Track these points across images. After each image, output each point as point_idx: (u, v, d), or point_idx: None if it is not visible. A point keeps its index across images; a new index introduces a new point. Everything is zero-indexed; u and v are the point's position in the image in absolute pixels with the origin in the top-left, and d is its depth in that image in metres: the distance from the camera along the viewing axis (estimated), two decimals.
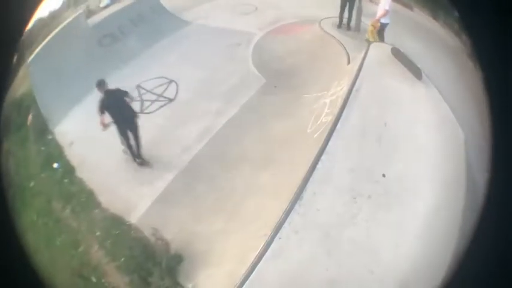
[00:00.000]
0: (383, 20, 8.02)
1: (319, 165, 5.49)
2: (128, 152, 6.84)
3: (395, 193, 5.49)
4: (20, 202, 6.04)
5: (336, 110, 6.28)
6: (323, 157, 5.58)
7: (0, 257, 4.88)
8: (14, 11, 5.34)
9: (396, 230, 5.20)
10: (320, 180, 5.42)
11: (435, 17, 7.31)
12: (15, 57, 6.22)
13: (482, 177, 4.92)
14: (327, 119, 6.36)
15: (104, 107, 6.60)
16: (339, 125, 5.97)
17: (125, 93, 6.79)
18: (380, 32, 8.25)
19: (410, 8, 8.19)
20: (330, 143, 5.73)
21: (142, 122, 6.97)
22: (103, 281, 5.51)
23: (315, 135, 6.22)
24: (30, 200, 6.18)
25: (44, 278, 5.22)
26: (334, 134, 5.86)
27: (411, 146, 6.04)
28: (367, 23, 8.87)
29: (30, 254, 5.22)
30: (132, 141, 6.79)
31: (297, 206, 5.17)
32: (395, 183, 5.56)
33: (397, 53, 7.33)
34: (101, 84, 6.70)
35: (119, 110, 6.73)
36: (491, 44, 4.79)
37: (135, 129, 6.76)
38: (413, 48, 7.47)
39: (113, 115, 6.64)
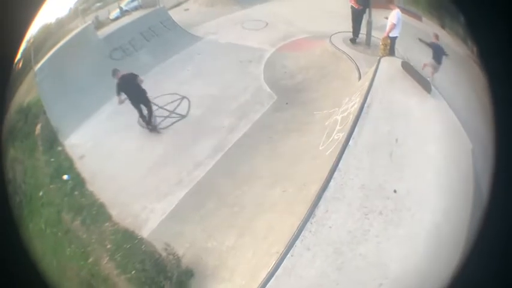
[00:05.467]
0: (392, 34, 7.97)
1: (331, 183, 5.45)
2: (141, 121, 7.64)
3: (405, 208, 5.44)
4: (28, 210, 6.10)
5: (348, 127, 6.23)
6: (335, 174, 5.53)
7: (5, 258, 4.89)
8: (14, 11, 5.34)
9: (405, 243, 5.18)
10: (333, 197, 5.38)
11: (442, 24, 7.26)
12: (20, 63, 6.33)
13: (486, 184, 4.85)
14: (339, 136, 6.34)
15: (120, 89, 7.55)
16: (350, 142, 5.91)
17: (135, 76, 7.61)
18: (390, 45, 8.21)
19: (419, 19, 8.14)
20: (342, 160, 5.69)
21: (154, 138, 7.23)
22: None
23: (327, 153, 6.21)
24: (38, 209, 6.23)
25: (52, 284, 5.17)
26: (346, 151, 5.82)
27: (422, 160, 5.99)
28: (377, 37, 8.80)
29: (36, 259, 5.16)
30: (145, 112, 7.65)
31: (309, 224, 5.12)
32: (406, 198, 5.51)
33: (407, 67, 7.30)
34: (115, 72, 7.58)
35: (132, 89, 7.57)
36: (497, 49, 4.76)
37: (146, 102, 7.66)
38: (421, 59, 7.42)
39: (127, 93, 7.57)
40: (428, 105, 6.73)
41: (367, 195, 5.49)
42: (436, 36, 7.22)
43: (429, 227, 5.25)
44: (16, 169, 6.27)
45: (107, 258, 5.79)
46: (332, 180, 5.49)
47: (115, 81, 7.51)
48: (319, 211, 5.24)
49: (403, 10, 8.14)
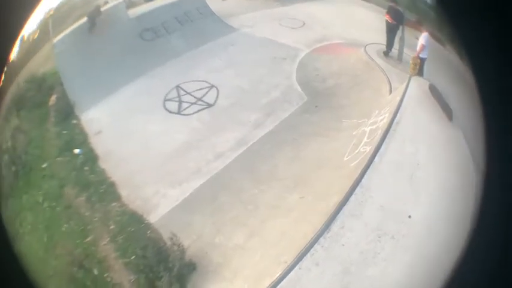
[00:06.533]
0: (421, 55, 7.87)
1: (352, 198, 5.29)
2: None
3: (416, 235, 5.33)
4: (24, 181, 6.05)
5: (375, 141, 6.08)
6: (357, 190, 5.37)
7: None
8: None
9: (410, 270, 5.09)
10: (351, 214, 5.22)
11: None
12: (36, 34, 6.41)
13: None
14: (366, 149, 6.13)
15: None
16: (376, 158, 5.76)
17: None
18: (419, 66, 8.15)
19: (443, 44, 8.12)
20: (365, 176, 5.52)
21: (178, 123, 7.03)
22: (106, 275, 5.39)
23: (352, 164, 6.01)
24: (38, 181, 6.12)
25: (32, 261, 5.33)
26: (371, 166, 5.66)
27: (437, 188, 5.84)
28: (409, 54, 8.46)
29: (18, 236, 5.38)
30: None
31: (322, 238, 4.99)
32: (418, 225, 5.38)
33: (433, 90, 7.11)
34: None
35: None
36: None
37: None
38: (444, 86, 7.18)
39: None
40: (448, 133, 6.56)
41: (384, 216, 5.36)
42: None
43: (433, 255, 5.24)
44: (17, 139, 6.23)
45: (108, 239, 5.65)
46: (353, 196, 5.34)
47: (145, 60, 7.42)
48: (335, 226, 5.10)
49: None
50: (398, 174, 5.83)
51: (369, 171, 5.62)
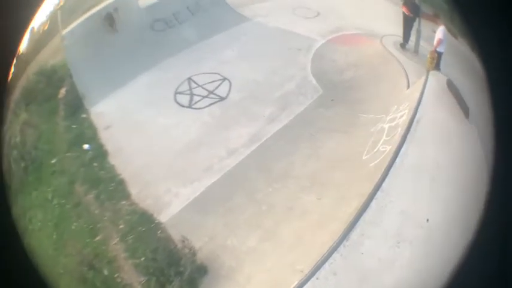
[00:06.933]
0: (439, 49, 7.74)
1: (373, 203, 5.01)
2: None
3: (432, 239, 5.08)
4: (34, 177, 5.98)
5: (395, 141, 5.80)
6: (378, 194, 5.07)
7: None
8: None
9: (425, 276, 4.85)
10: (371, 221, 4.94)
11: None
12: (45, 26, 6.37)
13: None
14: (385, 148, 5.87)
15: None
16: (398, 160, 5.47)
17: None
18: (436, 60, 7.97)
19: (456, 37, 7.94)
20: (386, 179, 5.24)
21: (189, 117, 6.86)
22: (116, 275, 5.22)
23: (371, 164, 5.75)
24: (47, 177, 6.06)
25: (42, 259, 5.16)
26: (392, 169, 5.36)
27: (456, 189, 5.57)
28: (425, 47, 8.39)
29: (28, 232, 5.25)
30: None
31: (341, 247, 4.71)
32: (435, 229, 5.12)
33: (451, 86, 6.94)
34: None
35: None
36: None
37: None
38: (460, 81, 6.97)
39: None
40: (465, 131, 6.35)
41: (404, 222, 5.11)
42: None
43: (448, 264, 4.93)
44: (27, 133, 6.16)
45: (117, 239, 5.50)
46: (373, 200, 5.04)
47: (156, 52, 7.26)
48: (355, 234, 4.82)
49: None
50: (418, 177, 5.53)
51: (390, 174, 5.31)
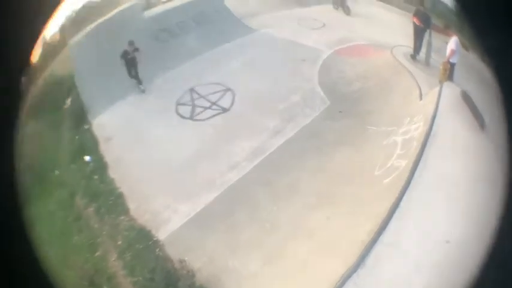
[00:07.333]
0: (451, 60, 7.58)
1: (391, 224, 4.70)
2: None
3: (452, 263, 4.83)
4: (38, 188, 5.86)
5: (411, 155, 5.57)
6: (395, 214, 4.79)
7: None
8: None
9: None
10: (389, 243, 4.65)
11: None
12: (57, 36, 6.32)
13: None
14: (400, 163, 5.60)
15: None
16: (416, 175, 5.20)
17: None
18: (449, 71, 7.79)
19: (466, 48, 7.78)
20: (404, 197, 4.94)
21: (190, 129, 6.71)
22: None
23: (385, 181, 5.46)
24: (50, 189, 5.94)
25: (49, 269, 5.11)
26: (411, 186, 5.11)
27: (474, 207, 5.32)
28: (436, 59, 8.17)
29: (38, 243, 5.16)
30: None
31: (355, 275, 4.41)
32: (455, 251, 4.86)
33: (465, 97, 6.76)
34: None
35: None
36: None
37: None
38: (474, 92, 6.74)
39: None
40: (480, 144, 6.16)
41: (424, 243, 4.87)
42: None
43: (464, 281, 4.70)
44: (34, 144, 6.07)
45: (116, 255, 5.35)
46: (392, 221, 4.74)
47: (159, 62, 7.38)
48: (371, 259, 4.52)
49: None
50: (436, 195, 5.32)
51: (408, 192, 5.06)
